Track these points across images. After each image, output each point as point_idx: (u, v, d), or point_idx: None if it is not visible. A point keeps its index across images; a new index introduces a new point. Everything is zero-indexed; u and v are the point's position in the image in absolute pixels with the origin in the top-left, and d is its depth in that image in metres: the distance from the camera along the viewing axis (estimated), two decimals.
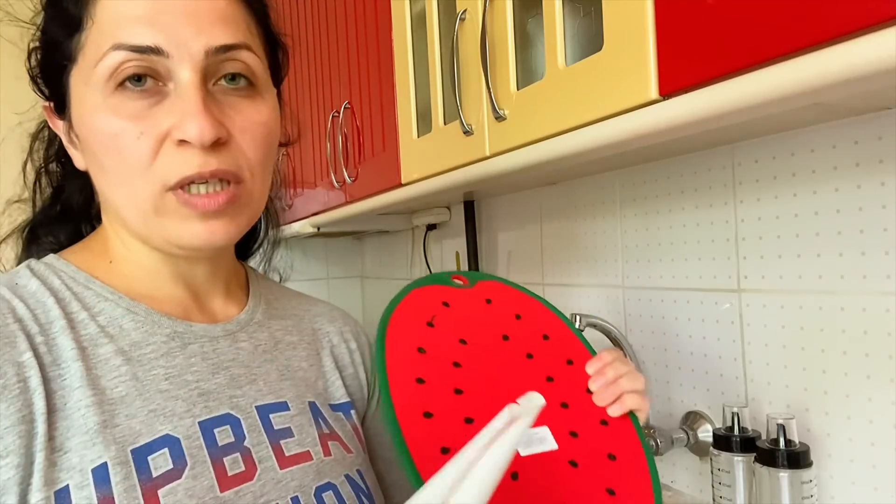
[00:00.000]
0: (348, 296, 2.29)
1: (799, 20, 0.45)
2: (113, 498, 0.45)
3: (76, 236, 0.61)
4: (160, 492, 0.47)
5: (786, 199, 0.79)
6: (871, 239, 0.70)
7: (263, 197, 0.57)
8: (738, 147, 0.84)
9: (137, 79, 0.49)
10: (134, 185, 0.50)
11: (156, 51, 0.49)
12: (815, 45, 0.45)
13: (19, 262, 0.60)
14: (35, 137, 0.62)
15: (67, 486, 0.45)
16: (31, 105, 0.60)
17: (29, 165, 0.62)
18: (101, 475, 0.46)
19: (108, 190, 0.53)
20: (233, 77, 0.52)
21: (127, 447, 0.48)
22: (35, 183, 0.62)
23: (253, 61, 0.53)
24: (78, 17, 0.51)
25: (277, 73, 0.60)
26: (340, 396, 0.64)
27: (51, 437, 0.46)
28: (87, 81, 0.50)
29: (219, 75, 0.52)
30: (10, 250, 0.62)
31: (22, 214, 0.62)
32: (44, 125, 0.62)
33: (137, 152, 0.49)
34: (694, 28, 0.53)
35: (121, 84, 0.49)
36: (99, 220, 0.60)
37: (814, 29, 0.44)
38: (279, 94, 0.60)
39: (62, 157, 0.61)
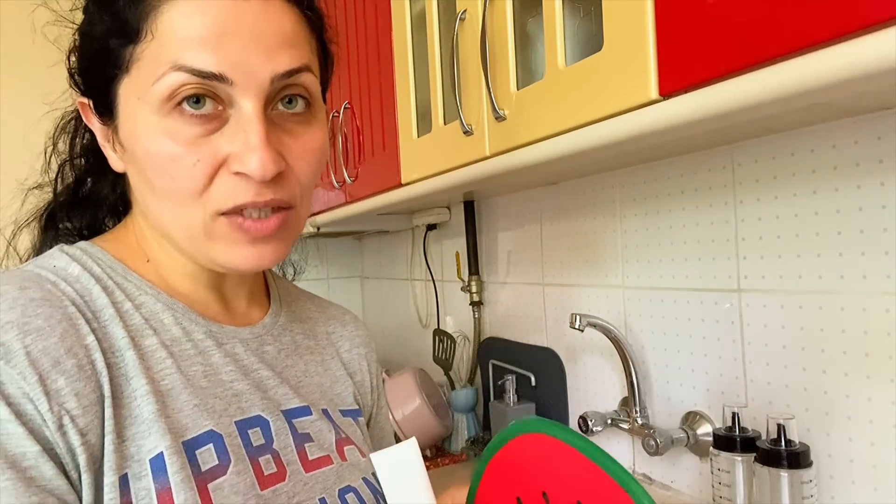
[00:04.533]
0: (348, 296, 2.29)
1: (799, 20, 0.45)
2: (171, 489, 0.45)
3: (95, 225, 0.61)
4: (209, 486, 0.47)
5: (786, 199, 0.79)
6: (871, 239, 0.70)
7: (307, 215, 0.56)
8: (738, 147, 0.84)
9: (196, 100, 0.47)
10: (184, 209, 0.49)
11: (219, 78, 0.46)
12: (815, 45, 0.45)
13: (39, 248, 0.59)
14: (62, 128, 0.60)
15: (126, 474, 0.45)
16: (59, 94, 0.58)
17: (49, 150, 0.60)
18: (157, 465, 0.46)
19: (156, 207, 0.51)
20: (290, 100, 0.50)
21: (179, 439, 0.47)
22: (59, 170, 0.60)
23: (311, 81, 0.51)
24: (136, 28, 0.47)
25: (326, 83, 0.58)
26: (350, 403, 0.65)
27: (115, 423, 0.46)
28: (141, 97, 0.48)
29: (277, 99, 0.50)
30: (28, 239, 0.61)
31: (37, 202, 0.61)
32: (72, 116, 0.60)
33: (192, 179, 0.48)
34: (694, 28, 0.53)
35: (178, 105, 0.47)
36: (121, 210, 0.60)
37: (814, 29, 0.44)
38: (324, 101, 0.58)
39: (91, 150, 0.59)
